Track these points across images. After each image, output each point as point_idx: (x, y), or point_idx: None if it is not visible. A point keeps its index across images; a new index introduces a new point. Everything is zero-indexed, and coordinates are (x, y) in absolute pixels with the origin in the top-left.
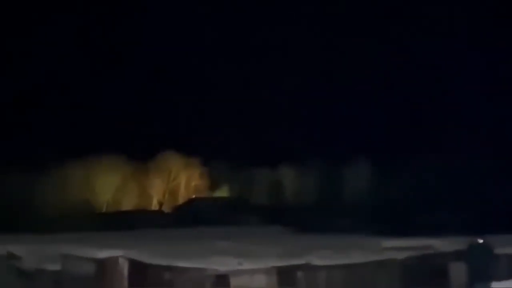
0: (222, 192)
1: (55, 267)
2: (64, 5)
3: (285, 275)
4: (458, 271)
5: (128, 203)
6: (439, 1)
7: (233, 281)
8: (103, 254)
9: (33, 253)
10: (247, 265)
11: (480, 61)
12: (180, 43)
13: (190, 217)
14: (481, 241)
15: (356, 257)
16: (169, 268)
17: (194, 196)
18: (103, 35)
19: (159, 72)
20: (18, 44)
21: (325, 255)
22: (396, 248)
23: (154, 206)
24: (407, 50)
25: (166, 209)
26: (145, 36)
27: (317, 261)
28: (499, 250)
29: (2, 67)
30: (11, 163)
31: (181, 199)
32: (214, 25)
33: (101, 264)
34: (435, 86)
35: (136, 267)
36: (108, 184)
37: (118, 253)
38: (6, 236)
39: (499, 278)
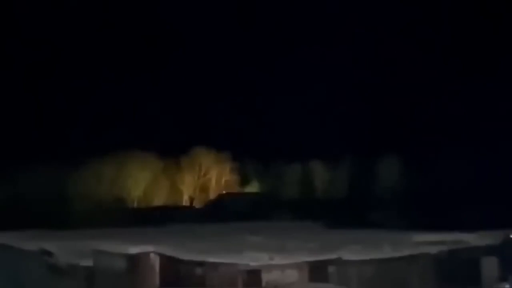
0: (253, 188)
1: (87, 262)
2: None
3: (316, 270)
4: (490, 265)
5: (160, 199)
6: None
7: (265, 277)
8: (134, 249)
9: (65, 249)
10: (278, 260)
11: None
12: (210, 45)
13: (221, 212)
14: None
15: (388, 252)
16: (200, 264)
17: (224, 192)
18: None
19: (190, 72)
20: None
21: (356, 250)
22: (428, 242)
23: (185, 201)
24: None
25: (197, 204)
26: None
27: (348, 256)
28: None
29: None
30: (43, 159)
31: (212, 195)
32: (246, 29)
33: (133, 260)
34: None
35: (168, 262)
36: (140, 180)
37: (149, 249)
38: (39, 233)
39: None
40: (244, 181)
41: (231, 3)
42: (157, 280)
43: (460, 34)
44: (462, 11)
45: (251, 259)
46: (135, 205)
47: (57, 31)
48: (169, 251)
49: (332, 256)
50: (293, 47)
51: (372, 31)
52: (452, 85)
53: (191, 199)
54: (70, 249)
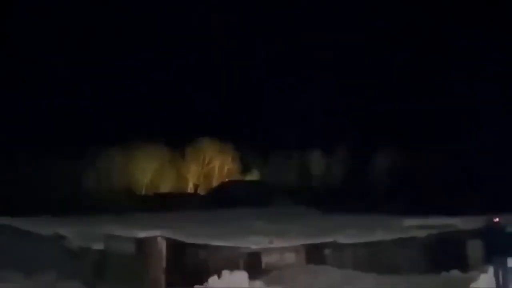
0: (254, 176)
1: (99, 246)
2: None
3: (313, 253)
4: (475, 248)
5: (166, 186)
6: None
7: (265, 259)
8: (143, 234)
9: (78, 233)
10: (277, 244)
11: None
12: (219, 38)
13: (223, 199)
14: (496, 220)
15: (380, 235)
16: (204, 247)
17: (227, 179)
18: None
19: (196, 66)
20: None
21: (351, 233)
22: (417, 226)
23: (190, 189)
24: None
25: (201, 191)
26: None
27: (343, 240)
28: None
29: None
30: (58, 151)
31: (215, 182)
32: (245, 21)
33: (141, 243)
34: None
35: (174, 245)
36: (148, 169)
37: (156, 233)
38: (54, 219)
39: None
40: (245, 170)
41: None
42: (163, 262)
43: (453, 32)
44: (461, 11)
45: (252, 243)
46: (144, 192)
47: (67, 17)
48: (175, 235)
49: (328, 239)
50: (293, 45)
51: (368, 27)
52: (440, 82)
53: (196, 187)
54: (83, 234)
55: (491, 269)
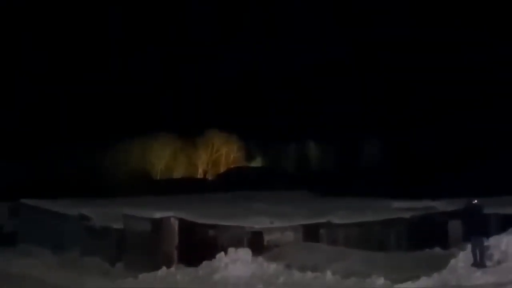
0: (257, 163)
1: (119, 225)
2: None
3: (309, 232)
4: (455, 228)
5: (179, 172)
6: None
7: (266, 237)
8: (157, 214)
9: (100, 214)
10: (278, 223)
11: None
12: (222, 36)
13: (229, 183)
14: (474, 202)
15: (370, 216)
16: (212, 226)
17: (233, 166)
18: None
19: (205, 67)
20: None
21: (343, 214)
22: (403, 208)
23: (200, 174)
24: None
25: (209, 176)
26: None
27: (336, 220)
28: (488, 210)
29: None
30: (82, 140)
31: (222, 169)
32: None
33: (156, 223)
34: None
35: (185, 225)
36: (162, 157)
37: (170, 214)
38: (79, 201)
39: (489, 234)
40: (249, 157)
41: None
42: (176, 240)
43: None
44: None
45: (255, 222)
46: (159, 177)
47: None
48: (186, 216)
49: (323, 220)
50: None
51: (362, 18)
52: (424, 71)
53: (205, 172)
54: (104, 214)
55: (469, 247)
